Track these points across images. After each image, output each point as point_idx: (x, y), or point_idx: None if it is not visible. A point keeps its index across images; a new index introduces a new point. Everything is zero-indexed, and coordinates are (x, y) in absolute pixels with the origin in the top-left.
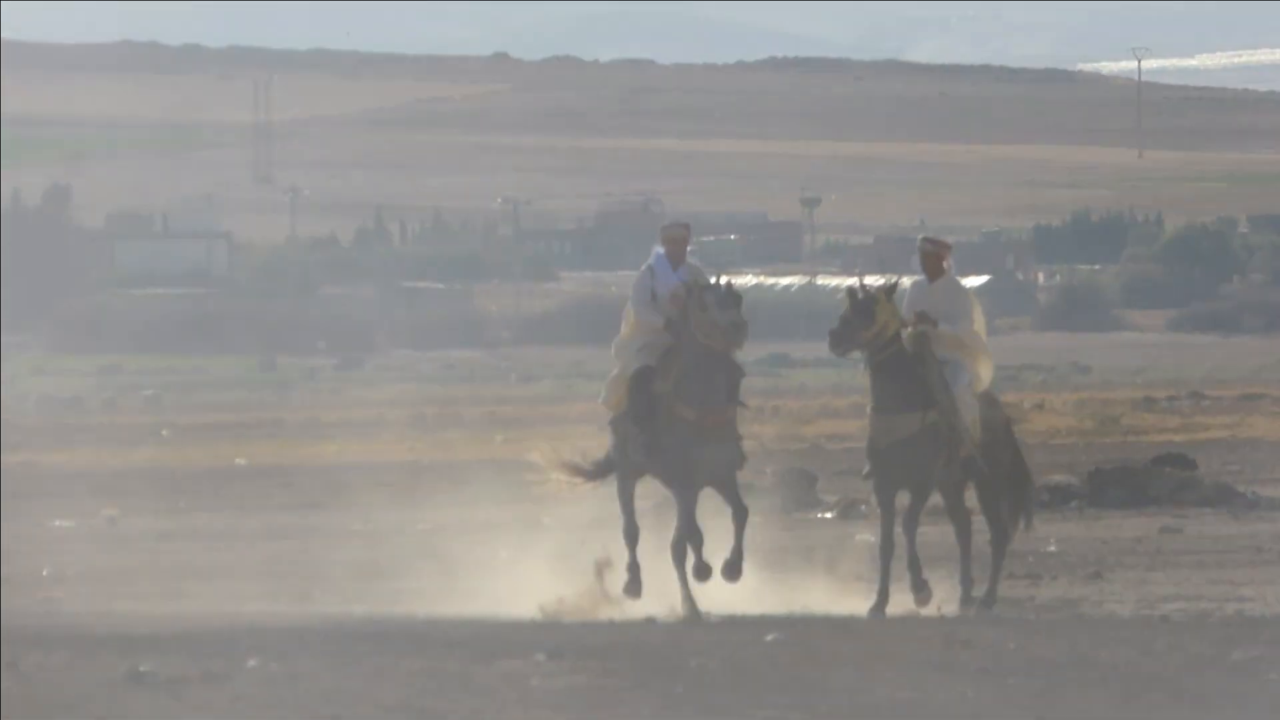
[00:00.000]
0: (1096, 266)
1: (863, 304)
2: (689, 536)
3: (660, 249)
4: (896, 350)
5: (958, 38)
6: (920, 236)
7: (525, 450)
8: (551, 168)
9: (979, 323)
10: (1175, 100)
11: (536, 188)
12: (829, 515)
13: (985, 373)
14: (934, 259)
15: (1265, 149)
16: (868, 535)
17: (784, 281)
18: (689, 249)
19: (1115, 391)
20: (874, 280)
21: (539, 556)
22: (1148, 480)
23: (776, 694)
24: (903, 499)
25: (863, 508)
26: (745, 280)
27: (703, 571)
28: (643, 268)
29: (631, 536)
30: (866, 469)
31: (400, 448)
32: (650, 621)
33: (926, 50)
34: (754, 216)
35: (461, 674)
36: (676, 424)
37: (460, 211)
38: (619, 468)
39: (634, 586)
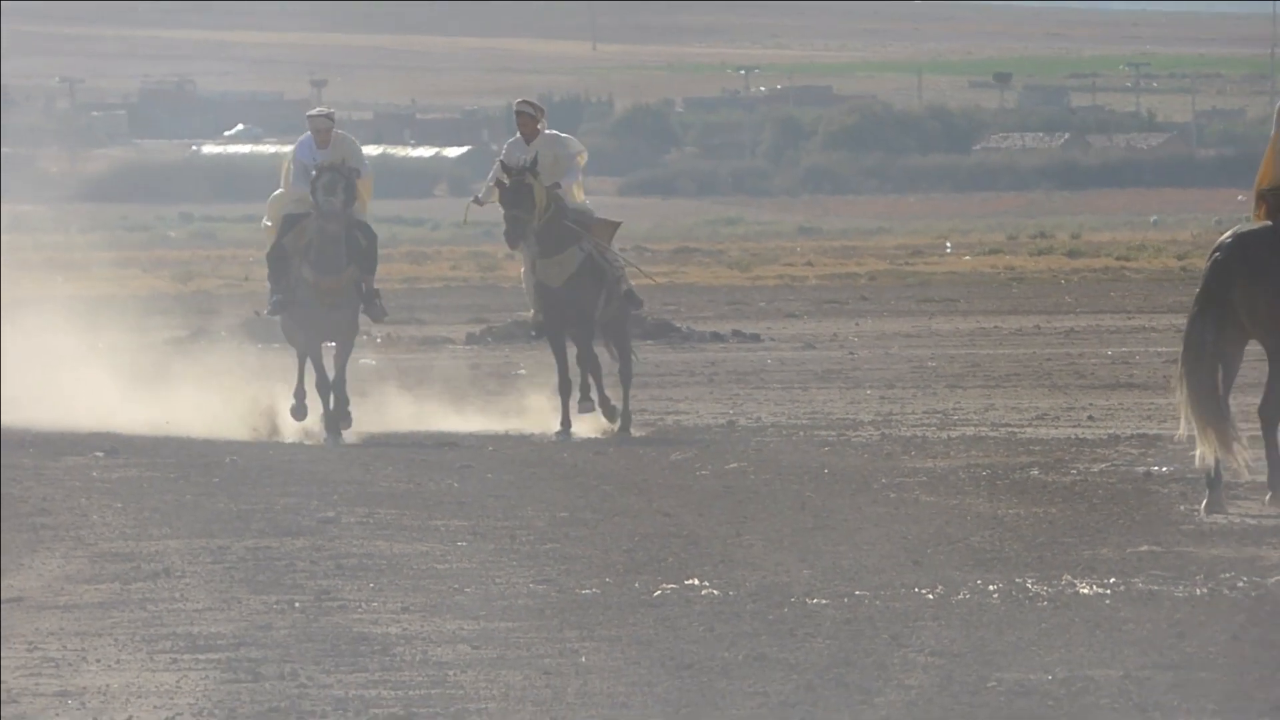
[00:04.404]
0: None
1: (519, 193)
2: (319, 385)
3: (308, 133)
4: (553, 216)
5: None
6: (517, 100)
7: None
8: (100, 53)
9: (582, 157)
10: (626, 2)
11: (87, 69)
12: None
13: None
14: (529, 121)
15: (698, 43)
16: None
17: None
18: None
19: None
20: (415, 151)
21: (98, 374)
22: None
23: (297, 485)
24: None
25: None
26: (266, 149)
27: (300, 412)
28: (294, 146)
29: (302, 360)
30: (535, 318)
31: None
32: (200, 439)
33: None
34: (272, 96)
35: (35, 467)
36: (302, 284)
37: (23, 88)
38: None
39: (299, 411)
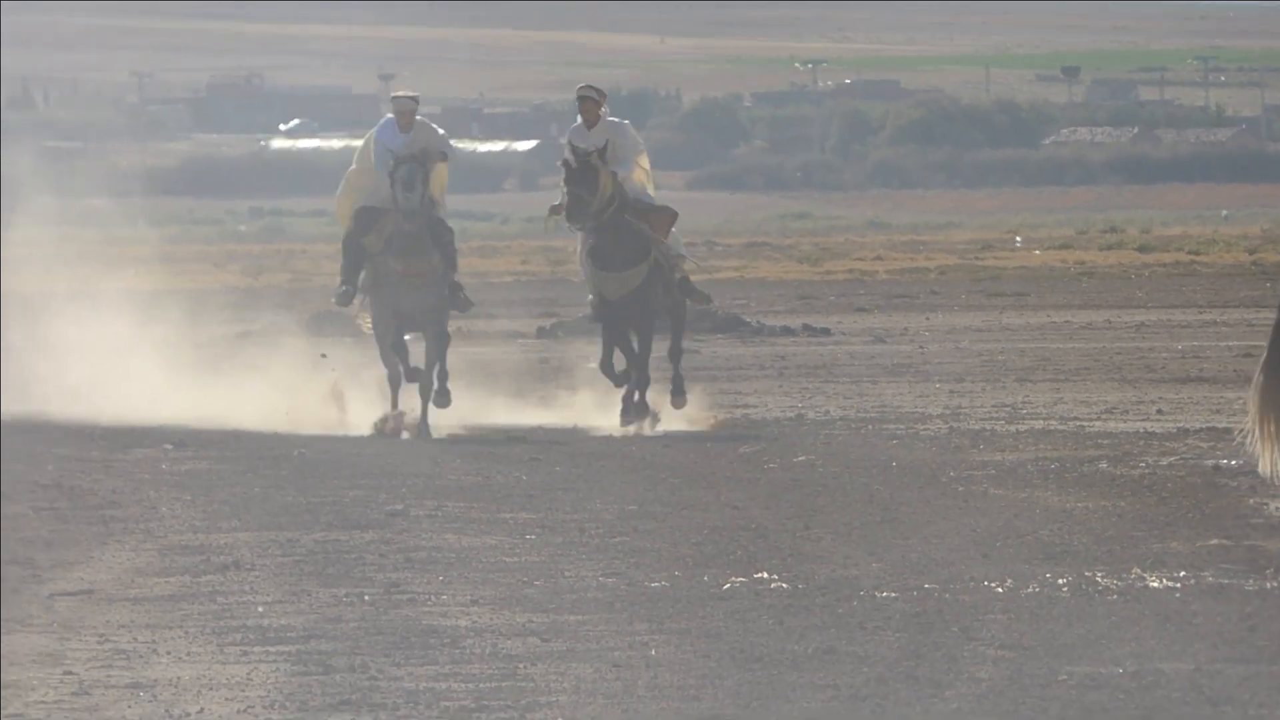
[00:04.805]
0: None
1: (584, 174)
2: (396, 376)
3: (390, 115)
4: (616, 208)
5: None
6: (579, 85)
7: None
8: (168, 45)
9: (644, 158)
10: None
11: (157, 63)
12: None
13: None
14: (593, 105)
15: (765, 37)
16: None
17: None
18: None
19: None
20: (484, 145)
21: (167, 367)
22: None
23: (365, 478)
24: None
25: None
26: (333, 143)
27: (412, 375)
28: (376, 128)
29: (394, 382)
30: (593, 300)
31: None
32: (269, 432)
33: None
34: (340, 90)
35: (104, 460)
36: (389, 276)
37: (93, 83)
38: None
39: (411, 375)
